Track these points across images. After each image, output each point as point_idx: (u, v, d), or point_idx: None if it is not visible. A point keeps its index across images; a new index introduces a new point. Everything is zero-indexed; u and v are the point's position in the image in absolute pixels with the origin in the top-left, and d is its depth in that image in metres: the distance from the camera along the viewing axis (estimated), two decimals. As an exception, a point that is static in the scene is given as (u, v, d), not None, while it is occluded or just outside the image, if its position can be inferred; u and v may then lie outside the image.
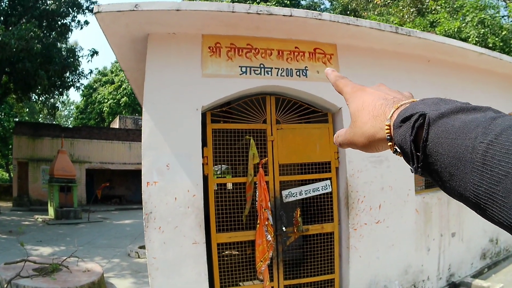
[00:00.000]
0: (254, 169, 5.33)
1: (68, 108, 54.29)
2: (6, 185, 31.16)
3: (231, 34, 5.46)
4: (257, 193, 5.31)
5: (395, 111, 0.67)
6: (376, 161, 5.77)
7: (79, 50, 22.96)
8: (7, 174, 32.31)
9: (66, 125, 39.54)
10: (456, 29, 13.69)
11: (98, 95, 42.01)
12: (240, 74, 5.39)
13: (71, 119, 50.02)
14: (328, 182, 5.63)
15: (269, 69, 5.46)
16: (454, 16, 14.54)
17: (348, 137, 0.81)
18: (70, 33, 22.48)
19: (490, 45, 12.81)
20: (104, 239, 14.03)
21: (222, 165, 5.99)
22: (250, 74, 5.41)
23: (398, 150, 0.67)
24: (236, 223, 5.37)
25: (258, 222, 5.25)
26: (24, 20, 17.57)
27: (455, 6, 14.77)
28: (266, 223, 5.21)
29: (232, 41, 5.45)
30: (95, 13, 4.79)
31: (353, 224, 5.60)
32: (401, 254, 6.04)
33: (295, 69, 5.54)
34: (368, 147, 0.76)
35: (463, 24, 13.94)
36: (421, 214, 6.26)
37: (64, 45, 21.74)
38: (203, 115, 5.46)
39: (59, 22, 20.32)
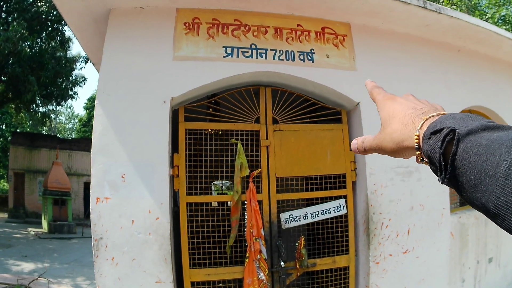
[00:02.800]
0: (243, 184, 3.76)
1: (72, 121, 53.23)
2: (4, 196, 29.73)
3: (214, 7, 3.95)
4: (246, 217, 3.73)
5: (424, 122, 0.70)
6: (404, 173, 4.20)
7: (78, 60, 21.86)
8: (7, 185, 31.07)
9: (68, 138, 38.41)
10: (476, 10, 12.58)
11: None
12: (224, 57, 3.84)
13: (74, 132, 49.10)
14: (342, 201, 4.03)
15: (263, 51, 3.91)
16: (472, 14, 13.47)
17: (377, 142, 0.82)
18: (70, 43, 21.47)
19: None
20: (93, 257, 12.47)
21: (225, 181, 4.47)
22: (238, 56, 3.86)
23: (425, 159, 0.70)
24: (217, 256, 3.80)
25: (248, 255, 3.66)
26: (15, 23, 16.47)
27: (473, 2, 13.53)
28: (258, 256, 3.63)
29: (216, 15, 3.94)
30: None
31: (374, 257, 4.02)
32: (432, 290, 4.47)
33: (298, 51, 3.98)
34: (396, 152, 0.78)
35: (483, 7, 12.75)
36: (457, 238, 4.74)
37: (62, 54, 20.57)
38: (175, 111, 3.96)
39: (51, 28, 19.26)
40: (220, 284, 3.82)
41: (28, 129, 33.93)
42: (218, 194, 4.99)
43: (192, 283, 3.75)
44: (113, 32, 3.89)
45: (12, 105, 22.02)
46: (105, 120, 3.68)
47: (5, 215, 24.24)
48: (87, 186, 25.70)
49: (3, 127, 31.48)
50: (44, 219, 19.21)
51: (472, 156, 0.58)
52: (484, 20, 12.36)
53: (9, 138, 27.77)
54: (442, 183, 0.65)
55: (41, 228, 19.33)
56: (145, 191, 3.63)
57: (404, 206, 4.20)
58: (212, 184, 3.93)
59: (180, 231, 3.77)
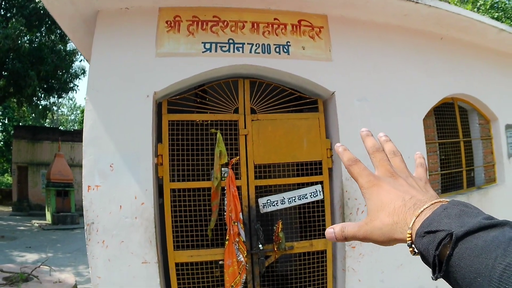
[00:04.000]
0: (222, 171, 4.14)
1: (74, 112, 53.84)
2: (8, 190, 30.54)
3: (194, 5, 4.28)
4: (226, 202, 4.11)
5: (416, 218, 0.71)
6: (379, 160, 4.54)
7: (78, 53, 22.27)
8: (11, 179, 31.77)
9: (71, 129, 38.93)
10: None
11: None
12: (203, 52, 4.17)
13: (77, 123, 49.64)
14: (318, 187, 4.33)
15: (240, 45, 4.22)
16: (466, 2, 13.56)
17: (363, 233, 0.82)
18: None
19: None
20: (97, 246, 13.00)
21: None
22: (216, 51, 4.18)
23: (417, 254, 0.73)
24: (200, 239, 4.15)
25: (227, 238, 4.01)
26: (13, 20, 16.89)
27: (465, -10, 13.70)
28: (237, 239, 3.98)
29: (195, 13, 4.27)
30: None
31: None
32: (412, 275, 4.70)
33: (274, 44, 4.28)
34: (386, 244, 0.80)
35: (475, 9, 12.73)
36: (437, 226, 5.00)
37: (62, 47, 20.99)
38: (160, 104, 4.32)
39: (50, 21, 19.64)
40: (204, 266, 4.19)
41: (30, 122, 34.59)
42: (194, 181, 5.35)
43: (176, 264, 4.12)
44: (100, 32, 4.26)
45: (14, 100, 22.57)
46: (95, 115, 4.06)
47: (10, 209, 25.21)
48: None
49: (6, 121, 32.15)
50: (48, 210, 20.09)
51: (467, 257, 0.60)
52: (477, 8, 12.47)
53: (12, 132, 28.30)
54: (435, 279, 0.67)
55: (45, 220, 20.20)
56: (131, 179, 4.00)
57: (380, 192, 4.51)
58: (211, 172, 4.31)
59: (165, 215, 4.13)
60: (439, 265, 0.64)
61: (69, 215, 19.33)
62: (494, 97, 5.97)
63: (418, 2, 4.56)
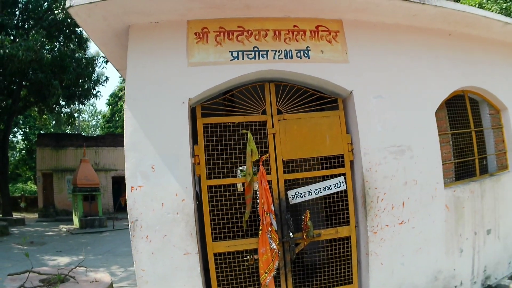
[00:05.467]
0: (254, 167, 4.54)
1: (95, 118, 54.83)
2: (32, 197, 31.39)
3: (219, 17, 4.75)
4: (258, 195, 4.51)
5: None
6: (397, 152, 4.91)
7: (97, 59, 22.85)
8: (35, 186, 32.54)
9: (93, 135, 39.69)
10: (476, 5, 12.67)
11: (124, 102, 41.79)
12: (231, 60, 4.65)
13: (98, 128, 50.47)
14: (341, 178, 4.80)
15: (265, 52, 4.69)
16: None
17: None
18: (88, 43, 22.47)
19: None
20: (125, 247, 13.48)
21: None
22: (243, 59, 4.66)
23: None
24: (235, 230, 4.64)
25: (261, 228, 4.47)
26: (33, 32, 17.47)
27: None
28: (270, 229, 4.43)
29: (221, 24, 4.74)
30: (67, 7, 4.21)
31: (372, 227, 4.75)
32: (430, 259, 5.15)
33: (295, 49, 4.75)
34: None
35: (484, 0, 12.92)
36: (452, 211, 5.34)
37: (81, 55, 21.60)
38: (194, 109, 4.79)
39: (68, 31, 20.22)
40: (240, 255, 4.59)
41: (52, 130, 35.32)
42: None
43: (215, 254, 4.60)
44: (134, 45, 4.71)
45: (35, 109, 23.15)
46: (134, 121, 4.51)
47: (36, 215, 26.06)
48: (115, 180, 27.33)
49: (27, 130, 32.74)
50: (75, 215, 20.84)
51: None
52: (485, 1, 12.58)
53: (34, 140, 29.05)
54: None
55: (71, 224, 20.95)
56: (171, 178, 4.44)
57: (398, 182, 4.90)
58: (238, 169, 4.69)
59: (203, 210, 4.59)
60: None
61: (96, 218, 20.04)
62: (502, 88, 6.32)
63: (425, 3, 4.94)
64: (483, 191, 5.73)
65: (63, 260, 11.30)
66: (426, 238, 5.10)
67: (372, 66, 4.98)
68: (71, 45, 21.08)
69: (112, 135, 31.35)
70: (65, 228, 19.37)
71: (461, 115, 5.90)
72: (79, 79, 20.69)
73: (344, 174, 4.84)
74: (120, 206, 20.76)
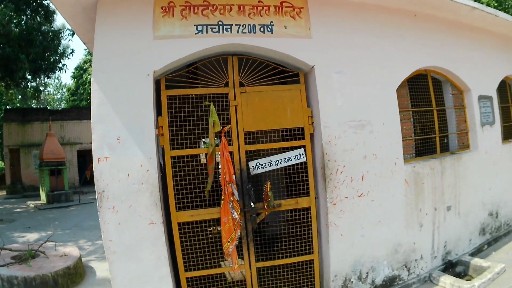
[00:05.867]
0: (216, 138, 4.80)
1: (60, 91, 54.24)
2: (0, 174, 31.10)
3: (186, -9, 4.87)
4: (220, 165, 4.78)
5: None
6: (357, 126, 5.19)
7: (63, 31, 22.60)
8: (2, 163, 32.23)
9: (59, 108, 39.25)
10: None
11: (89, 75, 41.23)
12: (195, 34, 4.82)
13: (64, 102, 49.93)
14: (301, 150, 5.05)
15: (229, 26, 4.87)
16: None
17: None
18: (55, 15, 22.17)
19: (485, 5, 12.15)
20: (92, 220, 13.74)
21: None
22: (207, 32, 4.83)
23: None
24: (199, 200, 4.85)
25: (223, 198, 4.71)
26: (2, 6, 17.19)
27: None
28: (231, 198, 4.68)
29: (187, -2, 4.89)
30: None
31: (331, 198, 5.04)
32: (390, 232, 5.49)
33: (259, 24, 4.94)
34: None
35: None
36: (412, 186, 5.67)
37: (48, 28, 21.32)
38: (158, 82, 4.97)
39: (36, 4, 19.88)
40: (203, 224, 4.87)
41: (18, 105, 34.81)
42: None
43: (179, 223, 4.83)
44: (102, 19, 4.83)
45: (2, 84, 22.88)
46: (101, 94, 4.66)
47: (4, 193, 26.28)
48: (80, 154, 27.46)
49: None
50: (42, 190, 21.03)
51: None
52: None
53: (1, 115, 28.61)
54: None
55: (39, 200, 21.17)
56: (136, 149, 4.63)
57: (357, 155, 5.18)
58: (202, 141, 4.93)
59: (167, 180, 4.81)
60: None
61: (63, 193, 20.26)
62: (467, 70, 6.63)
63: (389, -19, 5.15)
64: (443, 168, 6.06)
65: (32, 236, 11.58)
66: (385, 211, 5.41)
67: (335, 42, 5.21)
68: (38, 18, 20.75)
69: (77, 108, 31.15)
70: (32, 204, 19.52)
71: (423, 94, 6.17)
72: (45, 52, 20.51)
73: (304, 147, 5.09)
74: (85, 180, 20.83)
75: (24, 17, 19.91)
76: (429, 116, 6.31)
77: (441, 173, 6.05)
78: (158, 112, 4.91)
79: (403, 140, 5.63)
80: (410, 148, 5.93)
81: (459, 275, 6.00)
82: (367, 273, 5.39)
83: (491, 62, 7.18)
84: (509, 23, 7.05)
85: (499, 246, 7.00)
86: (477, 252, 6.73)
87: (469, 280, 5.72)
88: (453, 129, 6.72)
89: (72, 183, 25.10)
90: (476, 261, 6.10)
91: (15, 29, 17.42)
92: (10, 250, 7.60)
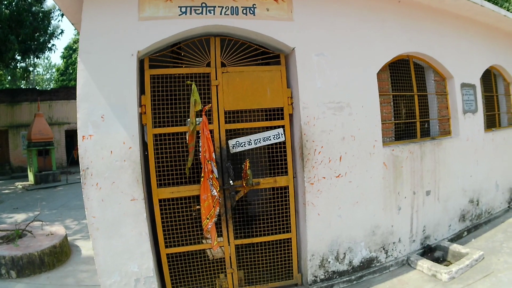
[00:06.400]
0: (197, 117, 4.97)
1: (50, 71, 54.12)
2: (-11, 156, 31.11)
3: (171, -27, 5.04)
4: (201, 143, 4.96)
5: None
6: (335, 108, 5.39)
7: (53, 12, 22.58)
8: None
9: (47, 89, 39.15)
10: None
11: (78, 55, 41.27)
12: (179, 15, 4.99)
13: (53, 82, 49.82)
14: (280, 130, 5.26)
15: (212, 8, 5.04)
16: None
17: None
18: None
19: None
20: (78, 200, 14.01)
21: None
22: (191, 14, 5.00)
23: None
24: (179, 177, 5.06)
25: (202, 175, 4.91)
26: None
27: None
28: (211, 176, 4.88)
29: (173, -21, 5.05)
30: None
31: (309, 178, 5.25)
32: (367, 213, 5.71)
33: (241, 6, 5.11)
34: None
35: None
36: (390, 169, 5.88)
37: (38, 8, 21.31)
38: (142, 61, 5.14)
39: None
40: (184, 201, 5.06)
41: (7, 86, 34.61)
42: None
43: (160, 200, 5.03)
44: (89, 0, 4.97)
45: None
46: (86, 73, 4.83)
47: None
48: (68, 134, 27.61)
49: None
50: (30, 171, 21.15)
51: None
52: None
53: (-10, 98, 28.53)
54: None
55: (27, 181, 21.40)
56: (120, 127, 4.81)
57: (335, 136, 5.38)
58: (187, 121, 5.09)
59: (149, 157, 5.00)
60: None
61: (51, 173, 20.46)
62: (449, 57, 6.81)
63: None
64: (423, 153, 6.26)
65: (20, 216, 11.79)
66: (363, 193, 5.63)
67: (317, 25, 5.38)
68: None
69: (65, 88, 31.10)
70: (20, 185, 19.72)
71: (405, 79, 6.35)
72: (35, 32, 20.64)
73: (283, 126, 5.29)
74: (73, 160, 20.98)
75: None
76: (410, 101, 6.49)
77: (420, 158, 6.25)
78: (142, 91, 5.10)
79: (382, 124, 5.82)
80: (389, 132, 6.12)
81: (437, 260, 6.19)
82: (344, 253, 5.61)
83: (476, 51, 7.35)
84: (495, 13, 7.21)
85: (479, 234, 7.17)
86: (457, 238, 6.92)
87: (447, 265, 5.88)
88: (435, 115, 6.89)
89: (60, 163, 25.41)
90: (455, 247, 6.27)
91: (6, 11, 17.37)
92: (-3, 230, 7.74)
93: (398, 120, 6.31)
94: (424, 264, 5.77)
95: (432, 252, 6.40)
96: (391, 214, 5.93)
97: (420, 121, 6.56)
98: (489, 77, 8.32)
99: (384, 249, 5.93)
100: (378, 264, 5.89)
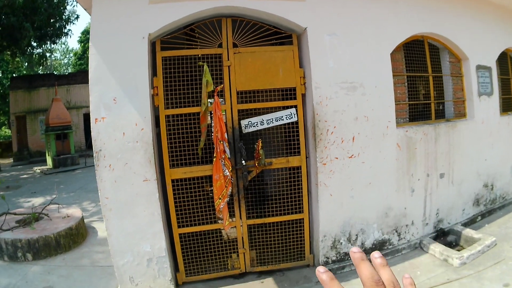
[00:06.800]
0: (209, 97, 4.99)
1: (67, 56, 54.66)
2: (7, 142, 31.77)
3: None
4: (213, 124, 4.98)
5: None
6: (348, 88, 5.35)
7: None
8: (9, 131, 32.69)
9: (65, 73, 39.63)
10: None
11: (92, 39, 41.60)
12: (190, -4, 4.98)
13: (70, 66, 50.36)
14: (293, 110, 5.26)
15: (223, -11, 5.03)
16: None
17: None
18: None
19: None
20: (96, 182, 13.95)
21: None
22: (201, -6, 4.99)
23: None
24: (191, 157, 5.11)
25: (215, 155, 4.95)
26: None
27: None
28: (223, 156, 4.92)
29: (183, -39, 5.04)
30: None
31: (321, 158, 5.26)
32: (380, 195, 5.69)
33: (252, -14, 5.08)
34: None
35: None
36: (404, 150, 5.84)
37: None
38: (154, 44, 5.17)
39: None
40: (196, 181, 5.10)
41: (24, 72, 35.05)
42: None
43: (172, 180, 5.10)
44: (100, -16, 5.00)
45: (8, 52, 23.20)
46: (98, 57, 4.90)
47: (11, 160, 27.12)
48: (86, 117, 28.01)
49: (0, 75, 32.52)
50: (48, 155, 21.73)
51: None
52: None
53: (8, 84, 28.95)
54: None
55: (45, 165, 21.91)
56: (132, 109, 4.88)
57: (348, 116, 5.36)
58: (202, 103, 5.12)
59: (161, 138, 5.05)
60: None
61: (69, 157, 20.89)
62: (465, 38, 6.68)
63: None
64: (437, 135, 6.20)
65: (37, 200, 12.00)
66: (376, 174, 5.61)
67: (329, 4, 5.34)
68: None
69: (83, 72, 31.48)
70: (39, 169, 20.15)
71: (420, 60, 6.26)
72: (50, 19, 20.95)
73: (295, 106, 5.29)
74: (91, 143, 21.09)
75: None
76: (425, 82, 6.41)
77: (434, 139, 6.19)
78: (154, 73, 5.14)
79: (396, 104, 5.77)
80: (404, 113, 6.07)
81: (450, 244, 6.16)
82: (356, 235, 5.63)
83: (491, 33, 7.20)
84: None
85: (493, 219, 7.10)
86: (470, 222, 6.86)
87: (460, 250, 5.83)
88: (450, 96, 6.80)
89: (79, 146, 25.97)
90: (468, 231, 6.22)
91: None
92: (15, 214, 7.99)
93: (412, 101, 6.24)
94: (436, 248, 5.75)
95: (445, 236, 6.38)
96: (404, 196, 5.91)
97: (435, 102, 6.48)
98: (505, 60, 8.15)
99: (396, 231, 5.93)
100: (390, 247, 5.89)
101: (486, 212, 7.22)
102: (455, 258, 5.41)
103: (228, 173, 4.93)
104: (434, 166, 6.22)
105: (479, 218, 7.06)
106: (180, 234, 5.19)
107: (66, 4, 22.45)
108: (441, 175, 6.35)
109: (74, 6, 33.48)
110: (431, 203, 6.26)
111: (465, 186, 6.75)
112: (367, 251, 5.64)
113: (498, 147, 7.30)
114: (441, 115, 6.76)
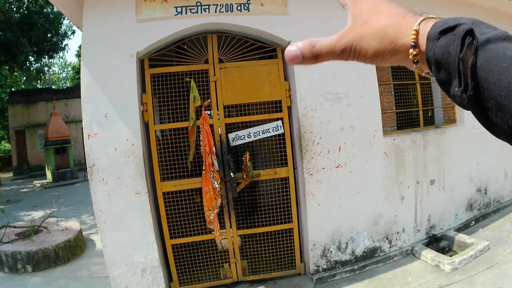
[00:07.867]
0: (197, 112, 5.22)
1: (65, 70, 55.58)
2: (7, 156, 32.20)
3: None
4: (201, 138, 5.21)
5: (423, 19, 0.63)
6: (333, 99, 5.56)
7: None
8: (9, 145, 33.03)
9: (64, 87, 40.00)
10: None
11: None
12: (175, 15, 5.25)
13: (69, 80, 50.99)
14: (279, 122, 5.48)
15: (206, 6, 5.29)
16: None
17: (349, 41, 0.71)
18: None
19: None
20: (94, 196, 14.34)
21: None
22: (186, 13, 5.26)
23: (426, 66, 0.64)
24: (181, 170, 5.34)
25: (204, 168, 5.18)
26: None
27: None
28: (212, 169, 5.15)
29: (168, -19, 5.30)
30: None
31: (308, 169, 5.46)
32: (369, 203, 5.86)
33: (236, 3, 5.33)
34: (379, 55, 0.69)
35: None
36: (392, 158, 6.00)
37: (49, 10, 21.94)
38: (142, 61, 5.42)
39: None
40: (187, 193, 5.32)
41: (23, 86, 35.50)
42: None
43: (163, 193, 5.34)
44: (88, 5, 5.28)
45: (6, 67, 23.63)
46: (89, 76, 5.15)
47: (11, 174, 27.68)
48: None
49: (-1, 90, 33.12)
50: (48, 169, 22.25)
51: (496, 68, 0.51)
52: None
53: (6, 99, 29.34)
54: (461, 101, 0.57)
55: (45, 179, 22.39)
56: (122, 125, 5.13)
57: (334, 127, 5.56)
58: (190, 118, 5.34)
59: (152, 153, 5.29)
60: (464, 76, 0.55)
61: (68, 170, 21.39)
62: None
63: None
64: (426, 142, 6.34)
65: (37, 214, 12.31)
66: (364, 183, 5.77)
67: (312, 18, 5.56)
68: (39, 1, 21.33)
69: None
70: (38, 183, 20.57)
71: (406, 67, 6.43)
72: (47, 34, 21.61)
73: (282, 119, 5.51)
74: (89, 157, 21.46)
75: (26, 1, 20.47)
76: (412, 89, 6.55)
77: (423, 147, 6.32)
78: (143, 89, 5.37)
79: (383, 113, 5.95)
80: (391, 121, 6.23)
81: (443, 250, 6.28)
82: (346, 243, 5.79)
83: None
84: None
85: (487, 223, 7.18)
86: (464, 227, 6.96)
87: (452, 255, 5.93)
88: (439, 103, 6.93)
89: (78, 160, 26.34)
90: (461, 236, 6.33)
91: (16, 15, 18.10)
92: (15, 227, 8.27)
93: (399, 109, 6.41)
94: (428, 254, 5.86)
95: (438, 242, 6.49)
96: (394, 204, 6.06)
97: (423, 109, 6.63)
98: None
99: (387, 239, 6.07)
100: (381, 254, 6.04)
101: (480, 216, 7.30)
102: (446, 264, 5.52)
103: (217, 185, 5.15)
104: (424, 173, 6.35)
105: (473, 222, 7.15)
106: (172, 245, 5.41)
107: (62, 19, 22.91)
108: (431, 181, 6.47)
109: (70, 21, 33.93)
110: (422, 210, 6.39)
111: (457, 192, 6.87)
112: (358, 259, 5.85)
113: (491, 151, 7.37)
114: (431, 121, 6.90)
